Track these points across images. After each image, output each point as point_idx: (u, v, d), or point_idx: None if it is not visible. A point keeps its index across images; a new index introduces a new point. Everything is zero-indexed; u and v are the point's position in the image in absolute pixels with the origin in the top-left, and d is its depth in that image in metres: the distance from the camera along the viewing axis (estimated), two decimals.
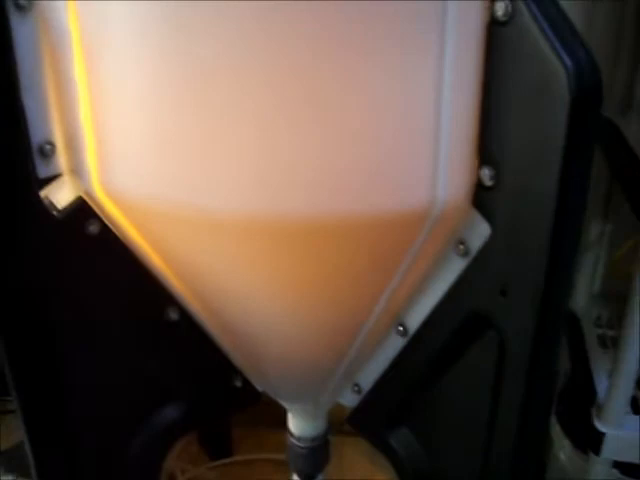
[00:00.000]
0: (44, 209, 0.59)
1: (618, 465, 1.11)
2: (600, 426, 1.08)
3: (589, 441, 1.11)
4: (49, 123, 0.57)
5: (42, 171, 0.58)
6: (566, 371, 1.30)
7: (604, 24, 1.16)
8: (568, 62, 0.46)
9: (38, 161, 0.58)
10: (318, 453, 0.87)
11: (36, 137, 0.57)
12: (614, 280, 1.33)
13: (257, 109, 0.49)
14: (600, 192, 1.27)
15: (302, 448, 0.85)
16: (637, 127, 1.07)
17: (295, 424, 0.86)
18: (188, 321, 0.70)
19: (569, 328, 1.30)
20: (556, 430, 1.23)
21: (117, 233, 0.62)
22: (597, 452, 1.09)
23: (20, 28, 0.54)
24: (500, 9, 0.49)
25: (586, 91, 0.47)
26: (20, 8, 0.54)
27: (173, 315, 0.69)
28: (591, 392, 1.14)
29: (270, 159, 0.50)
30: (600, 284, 1.36)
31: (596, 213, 1.30)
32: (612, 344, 1.24)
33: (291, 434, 0.87)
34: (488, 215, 0.55)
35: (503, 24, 0.49)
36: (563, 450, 1.22)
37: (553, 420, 1.25)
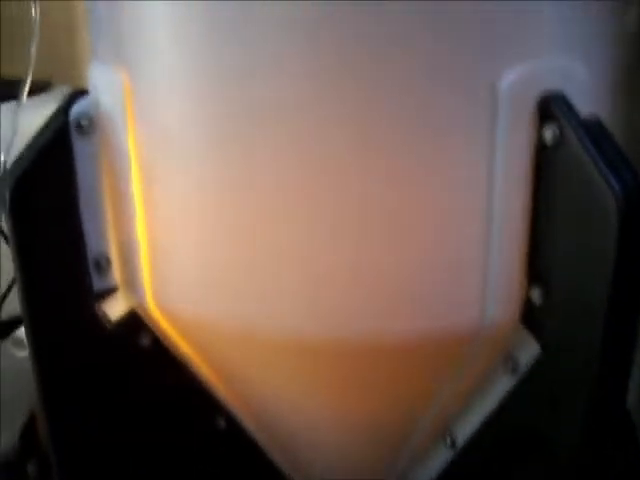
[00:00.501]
0: (98, 321, 0.60)
1: None
2: None
3: None
4: (105, 238, 0.59)
5: (97, 284, 0.60)
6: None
7: None
8: (616, 186, 0.47)
9: (94, 274, 0.59)
10: None
11: (93, 251, 0.59)
12: None
13: (311, 236, 0.50)
14: None
15: None
16: None
17: None
18: (236, 429, 0.70)
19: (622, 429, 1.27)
20: None
21: (169, 345, 0.62)
22: None
23: (81, 149, 0.57)
24: (549, 135, 0.49)
25: (634, 215, 0.47)
26: (81, 129, 0.56)
27: (221, 423, 0.69)
28: None
29: (323, 283, 0.51)
30: None
31: None
32: None
33: None
34: (537, 333, 0.55)
35: (552, 148, 0.50)
36: None
37: None
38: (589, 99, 0.51)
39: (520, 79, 0.49)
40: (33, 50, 0.60)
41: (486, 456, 0.64)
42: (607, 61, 0.55)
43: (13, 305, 0.87)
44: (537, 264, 0.53)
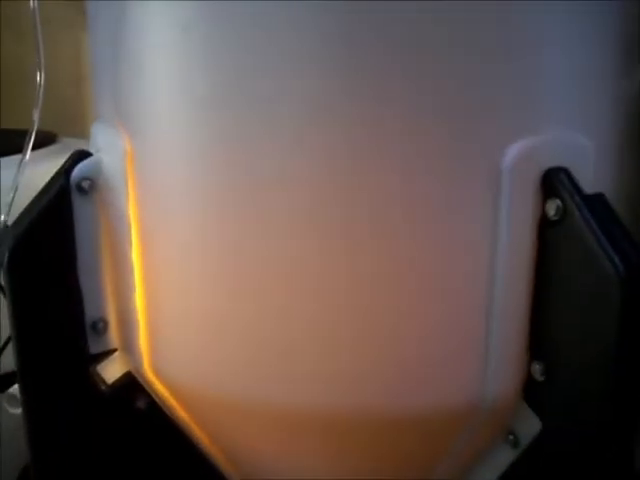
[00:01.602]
0: (94, 383, 0.59)
1: None
2: None
3: None
4: (103, 301, 0.59)
5: (94, 347, 0.59)
6: None
7: None
8: (620, 266, 0.46)
9: (90, 337, 0.59)
10: None
11: (90, 314, 0.58)
12: None
13: (310, 306, 0.50)
14: None
15: None
16: None
17: None
18: None
19: None
20: None
21: (165, 409, 0.62)
22: None
23: (81, 210, 0.57)
24: (552, 209, 0.49)
25: (637, 294, 0.46)
26: (82, 191, 0.56)
27: None
28: None
29: (325, 359, 0.51)
30: None
31: None
32: None
33: None
34: (539, 409, 0.54)
35: (555, 224, 0.49)
36: None
37: None
38: (593, 171, 0.51)
39: (522, 155, 0.48)
40: (37, 113, 0.60)
41: None
42: (609, 127, 0.55)
43: (10, 359, 0.87)
44: (539, 340, 0.52)
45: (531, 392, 0.53)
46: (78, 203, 0.57)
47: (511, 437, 0.56)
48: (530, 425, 0.54)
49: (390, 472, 0.58)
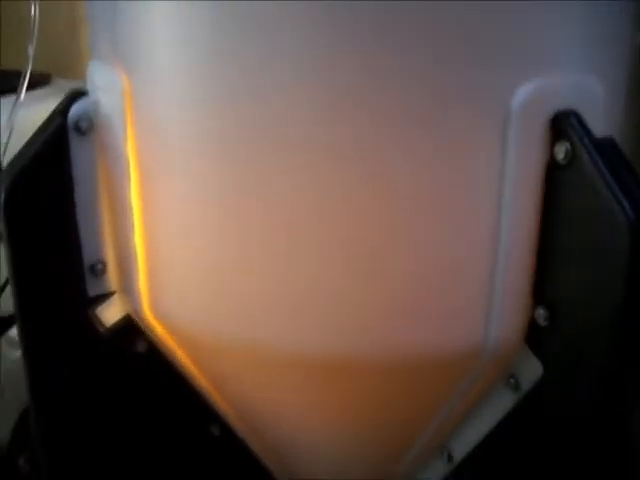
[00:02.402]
0: (92, 326, 0.59)
1: None
2: None
3: None
4: (102, 243, 0.58)
5: (92, 289, 0.59)
6: None
7: None
8: (629, 210, 0.45)
9: (89, 279, 0.58)
10: None
11: (88, 256, 0.58)
12: None
13: (312, 252, 0.49)
14: None
15: None
16: None
17: None
18: (229, 437, 0.69)
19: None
20: None
21: (164, 351, 0.61)
22: None
23: (79, 151, 0.56)
24: (560, 152, 0.48)
25: None
26: (79, 131, 0.55)
27: (215, 430, 0.68)
28: None
29: (328, 299, 0.50)
30: None
31: None
32: None
33: None
34: (541, 353, 0.53)
35: (563, 167, 0.48)
36: None
37: None
38: (603, 115, 0.50)
39: (533, 96, 0.47)
40: (31, 48, 0.59)
41: (483, 473, 0.63)
42: (622, 75, 0.54)
43: (8, 302, 0.87)
44: (543, 284, 0.52)
45: (534, 337, 0.53)
46: (75, 143, 0.55)
47: (512, 381, 0.56)
48: (532, 369, 0.54)
49: (395, 416, 0.59)
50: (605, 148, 0.47)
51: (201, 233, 0.52)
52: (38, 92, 0.93)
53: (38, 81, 0.96)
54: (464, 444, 0.63)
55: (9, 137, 0.60)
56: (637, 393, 0.52)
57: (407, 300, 0.50)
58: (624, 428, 0.54)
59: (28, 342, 0.59)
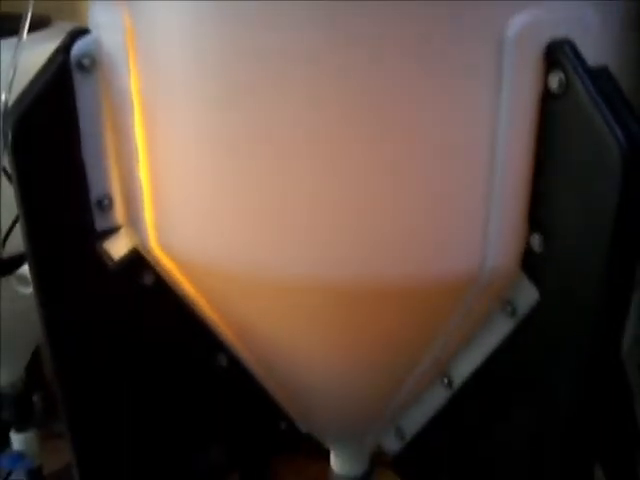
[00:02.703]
0: (101, 260, 0.61)
1: None
2: None
3: None
4: (108, 178, 0.59)
5: (100, 224, 0.60)
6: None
7: None
8: (622, 138, 0.46)
9: (96, 214, 0.60)
10: None
11: (95, 191, 0.59)
12: None
13: (312, 179, 0.51)
14: None
15: None
16: None
17: (338, 463, 0.86)
18: (236, 367, 0.71)
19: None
20: (599, 476, 1.22)
21: (171, 283, 0.63)
22: None
23: (82, 88, 0.57)
24: (554, 81, 0.49)
25: (638, 166, 0.47)
26: (83, 68, 0.56)
27: (222, 361, 0.70)
28: (636, 437, 1.12)
29: (328, 226, 0.52)
30: None
31: None
32: None
33: (334, 473, 0.87)
34: (536, 279, 0.55)
35: (557, 96, 0.49)
36: None
37: (597, 466, 1.23)
38: (598, 47, 0.51)
39: (528, 25, 0.48)
40: None
41: (481, 398, 0.65)
42: (617, 9, 0.54)
43: (15, 243, 0.88)
44: (538, 211, 0.53)
45: (529, 263, 0.55)
46: (79, 81, 0.56)
47: (509, 307, 0.58)
48: (528, 295, 0.56)
49: (396, 341, 0.61)
50: (599, 77, 0.48)
51: (203, 165, 0.53)
52: (39, 34, 0.94)
53: (39, 23, 0.97)
54: (463, 370, 0.65)
55: (13, 77, 0.61)
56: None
57: (404, 227, 0.51)
58: (617, 350, 0.56)
59: (39, 277, 0.61)
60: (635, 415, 1.16)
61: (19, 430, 1.34)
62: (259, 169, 0.52)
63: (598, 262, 0.50)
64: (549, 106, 0.50)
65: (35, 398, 1.39)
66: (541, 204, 0.53)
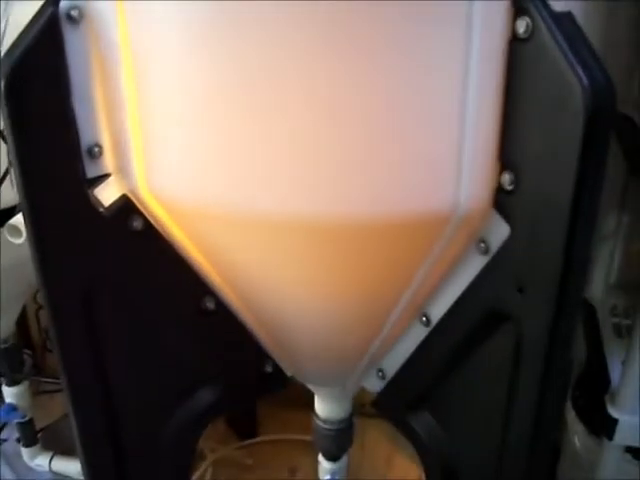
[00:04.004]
0: (91, 206, 0.63)
1: (630, 450, 1.14)
2: (613, 412, 1.11)
3: (603, 427, 1.13)
4: (97, 127, 0.61)
5: (90, 171, 0.62)
6: (583, 359, 1.33)
7: (623, 23, 1.17)
8: (584, 79, 0.49)
9: (86, 161, 0.62)
10: (343, 435, 0.91)
11: (85, 139, 0.61)
12: (631, 270, 1.35)
13: (292, 119, 0.53)
14: (618, 184, 1.29)
15: (328, 430, 0.90)
16: None
17: (322, 407, 0.90)
18: (224, 310, 0.74)
19: (585, 317, 1.33)
20: (571, 415, 1.26)
21: (159, 229, 0.66)
22: (610, 437, 1.11)
23: (71, 38, 0.58)
24: (521, 26, 0.52)
25: (601, 106, 0.50)
26: (72, 20, 0.58)
27: (210, 304, 0.73)
28: (605, 379, 1.16)
29: (301, 163, 0.55)
30: (617, 274, 1.38)
31: (613, 205, 1.32)
32: (627, 333, 1.26)
33: (317, 417, 0.91)
34: (508, 217, 0.58)
35: (524, 40, 0.52)
36: (577, 435, 1.25)
37: (568, 406, 1.28)
38: None
39: None
40: None
41: (458, 333, 0.69)
42: None
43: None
44: (508, 152, 0.56)
45: (501, 201, 0.58)
46: (68, 32, 0.58)
47: (482, 245, 0.61)
48: (500, 231, 0.59)
49: (374, 279, 0.64)
50: (563, 22, 0.51)
51: (188, 111, 0.56)
52: None
53: None
54: (440, 307, 0.69)
55: (5, 29, 0.63)
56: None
57: (381, 166, 0.54)
58: (583, 281, 0.60)
59: (34, 224, 0.63)
60: (605, 358, 1.20)
61: (11, 384, 1.37)
62: (240, 112, 0.54)
63: (565, 197, 0.54)
64: (517, 50, 0.53)
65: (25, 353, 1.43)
66: (511, 144, 0.56)
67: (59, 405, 0.74)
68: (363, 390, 0.84)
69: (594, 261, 1.36)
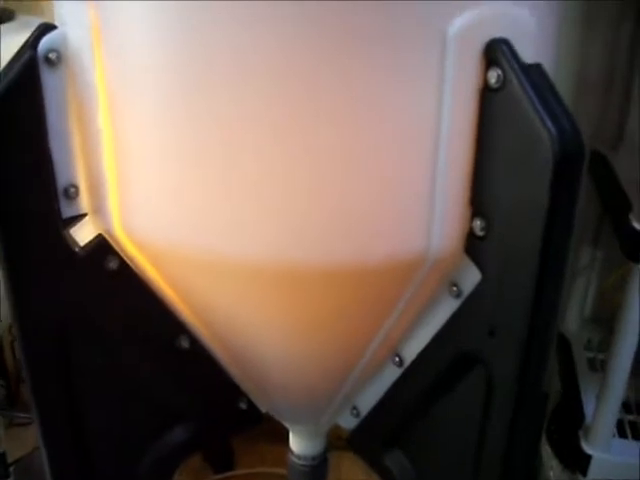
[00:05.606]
0: (67, 246, 0.63)
1: None
2: (587, 448, 1.12)
3: (577, 462, 1.14)
4: (74, 168, 0.62)
5: (66, 211, 0.63)
6: (558, 392, 1.34)
7: (597, 55, 1.20)
8: (552, 129, 0.50)
9: (62, 202, 0.62)
10: (318, 470, 0.92)
11: (61, 180, 0.61)
12: (605, 305, 1.36)
13: (258, 162, 0.54)
14: (591, 220, 1.31)
15: (303, 466, 0.90)
16: (627, 161, 1.11)
17: (296, 443, 0.90)
18: (198, 348, 0.74)
19: (560, 351, 1.34)
20: (546, 450, 1.27)
21: (134, 268, 0.66)
22: (584, 473, 1.12)
23: (49, 81, 0.59)
24: (493, 77, 0.53)
25: (568, 156, 0.51)
26: (50, 63, 0.59)
27: (184, 343, 0.73)
28: (580, 414, 1.17)
29: (271, 210, 0.55)
30: (591, 309, 1.40)
31: (588, 240, 1.34)
32: (602, 367, 1.27)
33: (292, 453, 0.91)
34: (479, 262, 0.59)
35: (495, 90, 0.53)
36: (552, 470, 1.26)
37: (543, 440, 1.29)
38: (533, 47, 0.55)
39: (468, 25, 0.52)
40: None
41: (430, 374, 0.69)
42: (553, 12, 0.59)
43: None
44: (479, 197, 0.57)
45: (472, 246, 0.59)
46: (46, 75, 0.59)
47: (454, 288, 0.62)
48: (471, 276, 0.60)
49: (346, 323, 0.64)
50: (533, 74, 0.53)
51: (165, 155, 0.57)
52: (3, 27, 0.96)
53: (2, 17, 0.99)
54: (413, 348, 0.69)
55: None
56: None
57: (352, 213, 0.55)
58: (553, 326, 0.60)
59: (8, 263, 0.63)
60: (580, 393, 1.21)
61: None
62: (212, 160, 0.55)
63: (533, 246, 0.55)
64: (488, 100, 0.54)
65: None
66: (482, 191, 0.57)
67: (33, 437, 0.74)
68: (339, 425, 0.84)
69: (569, 295, 1.38)
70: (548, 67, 0.54)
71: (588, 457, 1.11)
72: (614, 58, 1.20)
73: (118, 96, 0.58)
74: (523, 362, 0.60)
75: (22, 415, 1.55)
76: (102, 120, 0.59)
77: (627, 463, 1.10)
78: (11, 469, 1.49)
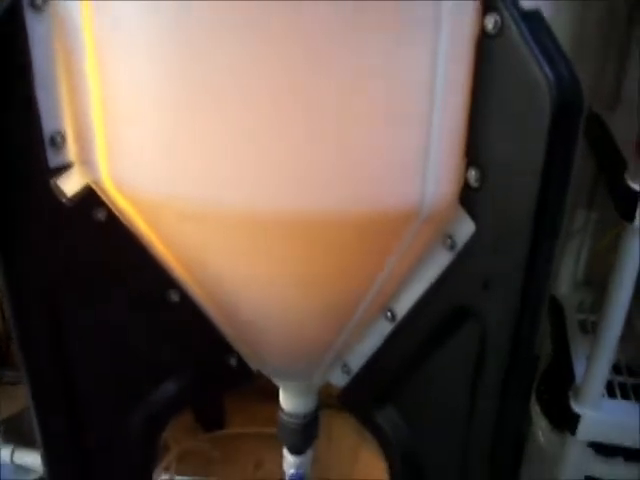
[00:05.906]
0: (54, 196, 0.62)
1: (593, 445, 1.16)
2: (577, 408, 1.12)
3: (566, 422, 1.14)
4: (61, 115, 0.60)
5: (53, 160, 0.61)
6: (548, 354, 1.34)
7: (594, 20, 1.19)
8: (550, 75, 0.49)
9: (49, 151, 0.61)
10: (308, 429, 0.91)
11: (48, 128, 0.60)
12: (597, 267, 1.36)
13: (255, 114, 0.53)
14: (586, 181, 1.30)
15: (293, 424, 0.90)
16: (623, 123, 1.10)
17: (287, 401, 0.90)
18: (188, 303, 0.73)
19: (552, 313, 1.34)
20: (535, 410, 1.28)
21: (123, 220, 0.65)
22: (573, 432, 1.13)
23: (35, 26, 0.57)
24: (490, 23, 0.52)
25: (566, 102, 0.50)
26: (35, 7, 0.57)
27: (174, 297, 0.72)
28: (570, 375, 1.17)
29: (265, 159, 0.54)
30: (583, 271, 1.40)
31: (581, 201, 1.33)
32: (593, 329, 1.27)
33: (283, 411, 0.90)
34: (473, 213, 0.58)
35: (493, 37, 0.52)
36: (541, 430, 1.26)
37: (533, 400, 1.29)
38: None
39: None
40: None
41: (423, 329, 0.69)
42: None
43: None
44: (475, 148, 0.56)
45: (467, 197, 0.58)
46: (31, 19, 0.57)
47: (449, 240, 0.61)
48: (465, 228, 0.59)
49: (339, 276, 0.63)
50: (531, 19, 0.51)
51: (154, 102, 0.55)
52: None
53: None
54: (405, 302, 0.69)
55: None
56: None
57: (350, 163, 0.54)
58: (547, 279, 0.60)
59: None
60: (570, 354, 1.21)
61: None
62: (203, 106, 0.54)
63: (530, 195, 0.54)
64: (485, 46, 0.53)
65: None
66: (477, 141, 0.56)
67: (23, 396, 0.73)
68: (330, 384, 0.84)
69: (561, 258, 1.37)
70: (546, 12, 0.53)
71: (577, 416, 1.11)
72: (612, 18, 1.19)
73: (106, 41, 0.56)
74: (517, 315, 0.59)
75: (12, 373, 1.55)
76: (89, 66, 0.57)
77: (616, 421, 1.11)
78: (1, 427, 1.49)
